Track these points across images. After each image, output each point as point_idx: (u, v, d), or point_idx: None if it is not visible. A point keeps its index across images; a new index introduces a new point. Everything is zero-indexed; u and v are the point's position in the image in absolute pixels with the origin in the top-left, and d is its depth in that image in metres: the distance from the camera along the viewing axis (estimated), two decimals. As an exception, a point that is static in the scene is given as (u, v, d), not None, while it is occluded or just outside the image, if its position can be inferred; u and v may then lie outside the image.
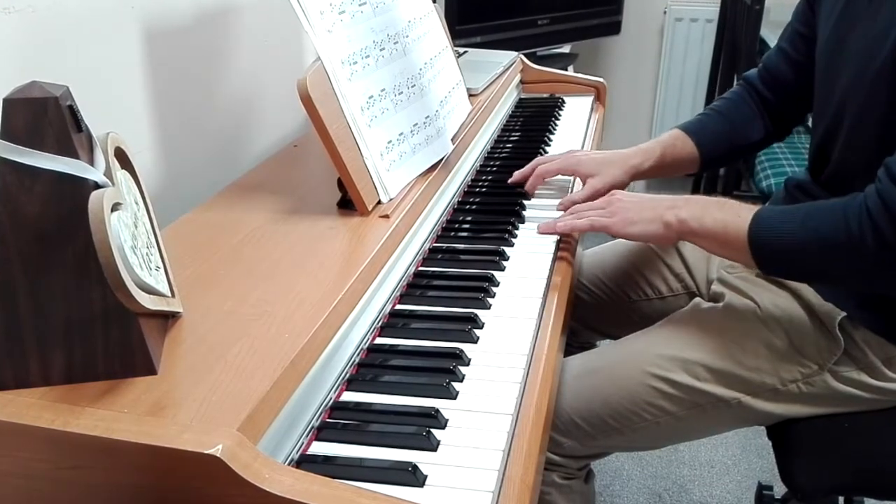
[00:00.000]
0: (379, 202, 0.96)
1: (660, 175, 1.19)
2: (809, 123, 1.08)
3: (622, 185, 1.12)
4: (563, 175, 1.16)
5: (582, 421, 0.98)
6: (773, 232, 0.85)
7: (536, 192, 1.16)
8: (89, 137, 0.63)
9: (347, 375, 0.75)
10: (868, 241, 0.78)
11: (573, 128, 1.47)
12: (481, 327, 0.84)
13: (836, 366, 0.93)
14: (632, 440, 0.99)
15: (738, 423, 1.01)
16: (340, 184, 0.94)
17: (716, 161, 1.21)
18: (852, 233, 0.79)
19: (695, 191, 2.84)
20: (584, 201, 1.06)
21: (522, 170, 1.16)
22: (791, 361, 0.94)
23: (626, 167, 1.12)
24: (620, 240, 1.21)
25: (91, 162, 0.61)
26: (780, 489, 1.09)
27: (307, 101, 0.87)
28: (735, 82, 2.23)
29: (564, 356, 1.00)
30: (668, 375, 0.96)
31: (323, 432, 0.68)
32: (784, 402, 0.95)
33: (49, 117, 0.58)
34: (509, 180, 1.17)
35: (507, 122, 1.50)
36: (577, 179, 1.20)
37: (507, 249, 1.00)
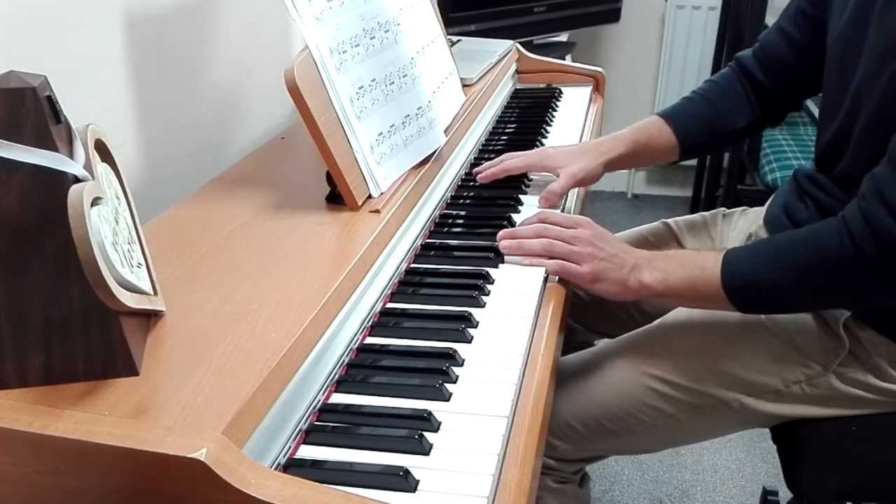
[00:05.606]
0: (369, 196, 0.95)
1: (635, 164, 1.18)
2: (815, 114, 1.06)
3: (595, 175, 1.10)
4: (531, 171, 1.14)
5: (577, 423, 0.97)
6: (748, 278, 0.85)
7: (529, 191, 1.14)
8: (68, 129, 0.62)
9: (336, 376, 0.74)
10: (849, 261, 0.79)
11: (571, 119, 1.46)
12: (476, 326, 0.82)
13: (840, 367, 0.92)
14: (629, 443, 0.99)
15: (739, 426, 1.00)
16: (329, 177, 0.93)
17: (697, 148, 1.19)
18: (829, 259, 0.80)
19: (697, 186, 2.81)
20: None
21: (490, 163, 1.13)
22: (794, 362, 0.93)
23: (596, 154, 1.10)
24: (619, 234, 1.20)
25: (70, 155, 0.60)
26: (785, 494, 1.09)
27: (294, 91, 0.86)
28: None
29: (562, 357, 0.99)
30: (666, 376, 0.95)
31: (311, 435, 0.67)
32: (787, 404, 0.94)
33: (27, 108, 0.57)
34: (478, 177, 1.13)
35: (502, 113, 1.49)
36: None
37: (502, 245, 0.98)
